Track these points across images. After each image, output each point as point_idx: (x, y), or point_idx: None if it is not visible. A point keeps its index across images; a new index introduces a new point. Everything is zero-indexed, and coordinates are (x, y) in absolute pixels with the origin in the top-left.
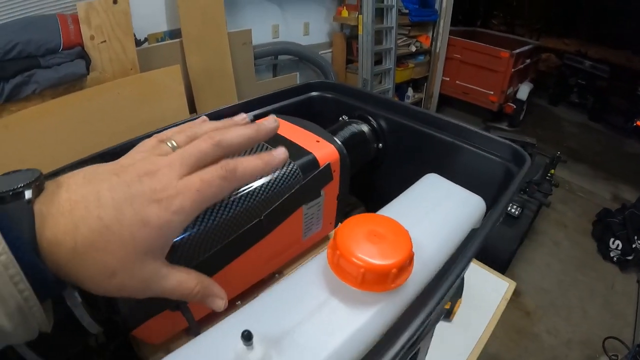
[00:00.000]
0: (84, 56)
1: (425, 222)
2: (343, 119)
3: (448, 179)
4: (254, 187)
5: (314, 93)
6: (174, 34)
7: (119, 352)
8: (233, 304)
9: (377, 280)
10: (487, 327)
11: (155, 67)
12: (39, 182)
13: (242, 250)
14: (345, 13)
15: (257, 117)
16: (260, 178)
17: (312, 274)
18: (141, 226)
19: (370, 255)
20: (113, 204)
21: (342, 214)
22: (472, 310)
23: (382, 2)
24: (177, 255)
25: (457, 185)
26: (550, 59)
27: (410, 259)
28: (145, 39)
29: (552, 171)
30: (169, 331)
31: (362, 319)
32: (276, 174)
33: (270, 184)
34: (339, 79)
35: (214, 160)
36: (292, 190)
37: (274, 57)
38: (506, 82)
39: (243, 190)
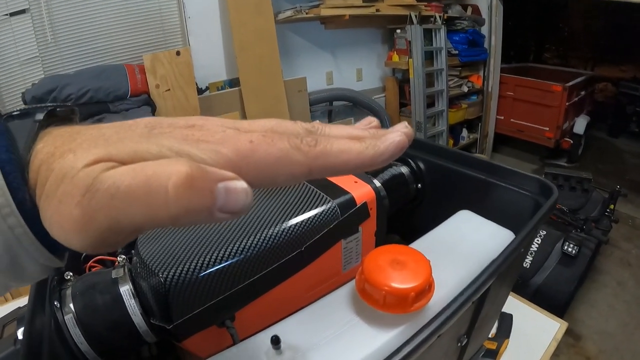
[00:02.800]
0: (149, 103)
1: (452, 254)
2: None
3: (482, 214)
4: (296, 221)
5: None
6: (234, 82)
7: None
8: None
9: (398, 303)
10: None
11: (216, 113)
12: (62, 110)
13: (285, 277)
14: (395, 57)
15: None
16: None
17: (341, 297)
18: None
19: (392, 280)
20: (129, 127)
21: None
22: (520, 351)
23: (431, 44)
24: (225, 276)
25: (487, 220)
26: (607, 88)
27: (429, 285)
28: (207, 88)
29: (612, 206)
30: (216, 346)
31: (383, 338)
32: (317, 210)
33: (311, 219)
34: (393, 123)
35: None
36: (331, 226)
37: (329, 103)
38: (561, 117)
39: (286, 223)
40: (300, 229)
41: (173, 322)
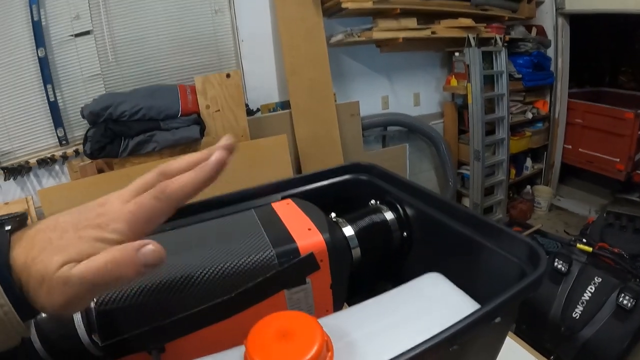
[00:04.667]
0: (199, 123)
1: (394, 328)
2: (372, 204)
3: (463, 275)
4: (231, 264)
5: (348, 176)
6: (286, 105)
7: None
8: None
9: None
10: None
11: (266, 135)
12: (20, 219)
13: (216, 319)
14: (454, 82)
15: (284, 198)
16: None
17: None
18: (73, 234)
19: (271, 355)
20: (61, 228)
21: (342, 301)
22: None
23: (492, 68)
24: (153, 308)
25: (457, 290)
26: None
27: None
28: (259, 109)
29: None
30: None
31: None
32: (255, 256)
33: (246, 265)
34: (451, 150)
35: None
36: (267, 275)
37: (383, 128)
38: (633, 147)
39: (219, 266)
40: (232, 274)
41: (104, 341)
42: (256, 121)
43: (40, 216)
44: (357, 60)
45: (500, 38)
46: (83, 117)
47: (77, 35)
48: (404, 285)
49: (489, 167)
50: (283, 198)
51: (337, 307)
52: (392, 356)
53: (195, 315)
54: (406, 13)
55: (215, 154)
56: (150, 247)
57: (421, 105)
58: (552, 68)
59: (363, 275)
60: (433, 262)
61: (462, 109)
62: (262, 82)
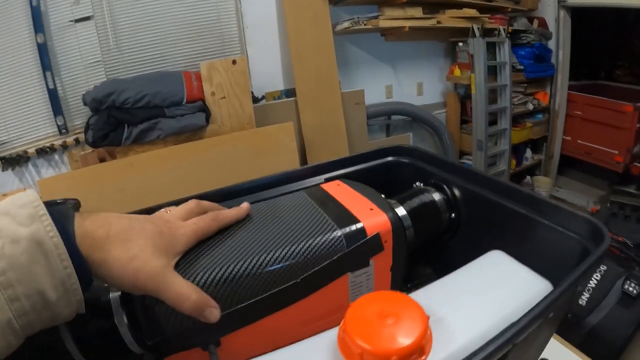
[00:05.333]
0: (204, 110)
1: (472, 305)
2: (417, 185)
3: (520, 253)
4: (294, 249)
5: (390, 158)
6: (290, 92)
7: None
8: None
9: None
10: None
11: (271, 123)
12: (76, 202)
13: (278, 308)
14: (457, 72)
15: (328, 180)
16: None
17: (320, 346)
18: (157, 233)
19: (373, 336)
20: (138, 220)
21: (399, 284)
22: None
23: (495, 59)
24: (214, 299)
25: (522, 266)
26: None
27: (420, 348)
28: (263, 97)
29: None
30: None
31: None
32: (320, 238)
33: (311, 248)
34: (454, 139)
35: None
36: (334, 257)
37: (387, 117)
38: (631, 139)
39: (282, 250)
40: (298, 258)
41: (154, 338)
42: (261, 109)
43: None
44: (361, 48)
45: (504, 29)
46: (85, 104)
47: (77, 20)
48: (470, 264)
49: (491, 157)
50: (326, 180)
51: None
52: (483, 333)
53: (256, 304)
54: (411, 2)
55: (245, 204)
56: (216, 310)
57: (424, 95)
58: (552, 60)
59: (408, 259)
60: (484, 243)
61: (464, 99)
62: (267, 69)
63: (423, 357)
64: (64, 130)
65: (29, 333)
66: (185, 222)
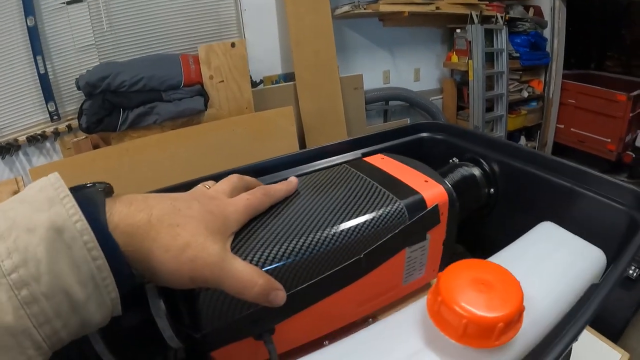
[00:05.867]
0: (202, 94)
1: (538, 274)
2: (453, 161)
3: (565, 226)
4: (356, 222)
5: (424, 134)
6: (289, 77)
7: None
8: (320, 344)
9: (480, 335)
10: None
11: (269, 107)
12: (108, 186)
13: (337, 288)
14: (455, 58)
15: (364, 155)
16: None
17: (409, 320)
18: (207, 213)
19: (475, 305)
20: (183, 200)
21: (447, 261)
22: None
23: (492, 46)
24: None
25: (574, 236)
26: None
27: (519, 314)
28: (261, 81)
29: None
30: None
31: None
32: (381, 211)
33: (374, 221)
34: None
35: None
36: (396, 231)
37: (385, 103)
38: (624, 128)
39: (344, 224)
40: (360, 232)
41: (202, 330)
42: (260, 93)
43: None
44: (359, 33)
45: (501, 17)
46: (78, 88)
47: (69, 2)
48: (525, 235)
49: (483, 132)
50: (363, 155)
51: (442, 268)
52: (557, 299)
53: (318, 284)
54: None
55: (293, 178)
56: (282, 293)
57: (421, 81)
58: (547, 49)
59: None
60: (524, 218)
61: (461, 86)
62: (265, 53)
63: (519, 324)
64: (56, 117)
65: (55, 346)
66: (235, 199)
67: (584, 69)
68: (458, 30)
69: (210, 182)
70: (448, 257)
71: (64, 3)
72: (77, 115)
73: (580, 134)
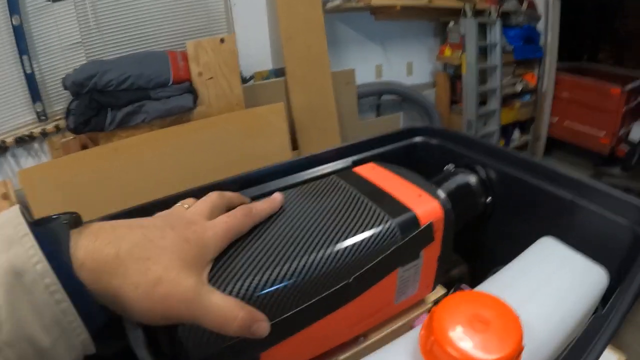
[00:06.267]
0: (191, 91)
1: (537, 300)
2: (448, 168)
3: (564, 240)
4: (345, 245)
5: (417, 138)
6: (279, 72)
7: None
8: None
9: None
10: None
11: (260, 104)
12: (76, 216)
13: (324, 314)
14: (448, 52)
15: (356, 163)
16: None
17: (401, 357)
18: (182, 242)
19: (471, 346)
20: (156, 227)
21: (442, 274)
22: None
23: (485, 39)
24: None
25: (576, 253)
26: None
27: (518, 354)
28: (252, 77)
29: None
30: None
31: None
32: (372, 231)
33: (364, 243)
34: (443, 119)
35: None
36: (388, 252)
37: (377, 97)
38: (618, 122)
39: (331, 248)
40: (350, 255)
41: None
42: (250, 89)
43: (22, 199)
44: (351, 27)
45: (495, 10)
46: (65, 87)
47: (54, 0)
48: (525, 253)
49: (481, 138)
50: (355, 163)
51: (436, 284)
52: (557, 327)
53: (304, 312)
54: None
55: (277, 194)
56: (265, 324)
57: (414, 75)
58: (541, 42)
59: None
60: (520, 228)
61: (454, 79)
62: (255, 49)
63: None
64: (44, 117)
65: None
66: (214, 222)
67: (576, 61)
68: (451, 24)
69: (189, 201)
70: (443, 272)
71: (49, 1)
72: (64, 116)
73: (574, 128)
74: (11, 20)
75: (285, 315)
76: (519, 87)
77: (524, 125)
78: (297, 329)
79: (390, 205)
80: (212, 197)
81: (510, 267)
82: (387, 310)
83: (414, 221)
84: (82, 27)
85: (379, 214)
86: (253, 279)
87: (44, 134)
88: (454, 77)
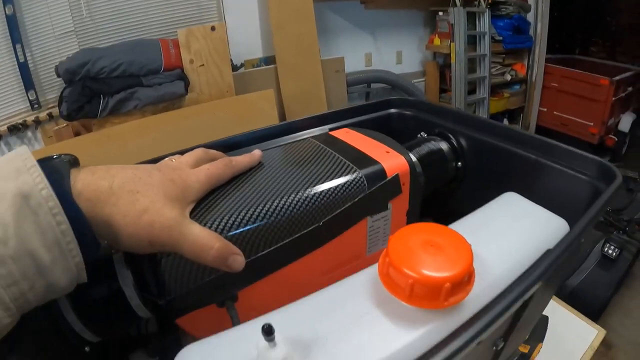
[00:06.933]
0: (183, 78)
1: (496, 241)
2: (421, 135)
3: (531, 197)
4: (315, 191)
5: (392, 110)
6: (270, 60)
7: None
8: None
9: (428, 295)
10: None
11: (251, 91)
12: (74, 157)
13: (298, 255)
14: (437, 41)
15: (332, 130)
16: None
17: (360, 283)
18: (167, 181)
19: (423, 265)
20: (144, 169)
21: None
22: (554, 357)
23: (475, 29)
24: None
25: (537, 205)
26: None
27: (468, 275)
28: (242, 65)
29: None
30: (213, 327)
31: (406, 338)
32: (340, 180)
33: (332, 190)
34: None
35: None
36: (356, 199)
37: (366, 85)
38: (607, 112)
39: (303, 193)
40: (319, 200)
41: (166, 297)
42: (240, 77)
43: None
44: (341, 16)
45: (484, 0)
46: (58, 75)
47: None
48: (486, 205)
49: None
50: (330, 130)
51: None
52: (515, 265)
53: (278, 251)
54: None
55: (257, 150)
56: (240, 258)
57: (403, 64)
58: (531, 33)
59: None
60: (491, 190)
61: (443, 68)
62: (246, 37)
63: (469, 287)
64: (37, 105)
65: (23, 308)
66: (197, 169)
67: (569, 54)
68: (440, 13)
69: (177, 156)
70: None
71: None
72: (57, 103)
73: (563, 117)
74: (4, 10)
75: (261, 254)
76: (508, 77)
77: (513, 115)
78: (272, 269)
79: (359, 159)
80: (197, 151)
81: (471, 216)
82: (360, 262)
83: (380, 173)
84: (74, 15)
85: (347, 166)
86: (230, 218)
87: (37, 122)
88: (444, 65)
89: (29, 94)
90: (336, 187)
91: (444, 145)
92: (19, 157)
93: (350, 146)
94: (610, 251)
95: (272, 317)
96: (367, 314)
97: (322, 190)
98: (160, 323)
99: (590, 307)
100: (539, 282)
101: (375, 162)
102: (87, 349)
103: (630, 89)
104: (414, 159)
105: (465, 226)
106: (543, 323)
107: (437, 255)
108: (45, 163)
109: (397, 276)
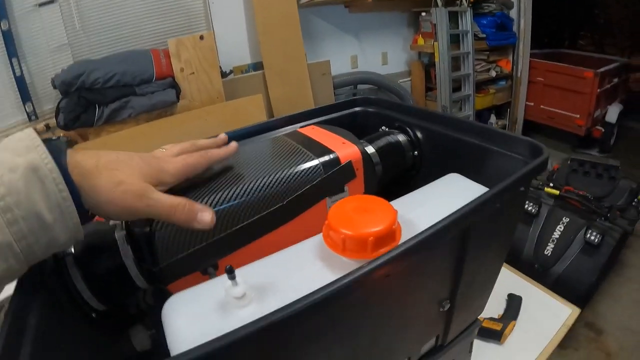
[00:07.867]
0: (174, 86)
1: (426, 207)
2: (382, 129)
3: (475, 178)
4: (278, 176)
5: (357, 108)
6: (258, 66)
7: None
8: None
9: (357, 248)
10: (541, 354)
11: (240, 96)
12: (70, 140)
13: (267, 230)
14: (421, 41)
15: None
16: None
17: (309, 243)
18: (144, 164)
19: (352, 225)
20: (127, 154)
21: None
22: (527, 335)
23: (457, 28)
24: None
25: (475, 183)
26: None
27: (392, 232)
28: (231, 71)
29: None
30: None
31: (335, 277)
32: (300, 167)
33: (293, 175)
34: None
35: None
36: (314, 182)
37: (353, 87)
38: (592, 104)
39: (269, 177)
40: (283, 183)
41: (158, 264)
42: (230, 83)
43: None
44: (325, 20)
45: None
46: (54, 87)
47: (41, 4)
48: (427, 185)
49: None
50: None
51: None
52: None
53: (249, 226)
54: None
55: (233, 143)
56: (207, 213)
57: (389, 64)
58: (514, 29)
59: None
60: (445, 174)
61: (428, 67)
62: (234, 44)
63: (394, 243)
64: (34, 117)
65: (30, 259)
66: (176, 158)
67: (557, 49)
68: (423, 14)
69: (168, 146)
70: None
71: (36, 5)
72: (54, 114)
73: (550, 111)
74: (0, 25)
75: (236, 228)
76: (493, 73)
77: (500, 110)
78: (247, 241)
79: (318, 149)
80: (185, 143)
81: (413, 193)
82: None
83: (335, 160)
84: (68, 29)
85: (307, 155)
86: (209, 198)
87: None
88: (429, 65)
89: (26, 106)
90: (297, 172)
91: (401, 137)
92: (27, 136)
93: (313, 140)
94: (592, 237)
95: (240, 270)
96: (311, 264)
97: (285, 175)
98: (155, 296)
99: (576, 292)
100: (450, 229)
101: (331, 151)
102: (93, 315)
103: (616, 80)
104: (372, 149)
105: (405, 199)
106: (516, 302)
107: (364, 216)
108: (48, 143)
109: (334, 235)
